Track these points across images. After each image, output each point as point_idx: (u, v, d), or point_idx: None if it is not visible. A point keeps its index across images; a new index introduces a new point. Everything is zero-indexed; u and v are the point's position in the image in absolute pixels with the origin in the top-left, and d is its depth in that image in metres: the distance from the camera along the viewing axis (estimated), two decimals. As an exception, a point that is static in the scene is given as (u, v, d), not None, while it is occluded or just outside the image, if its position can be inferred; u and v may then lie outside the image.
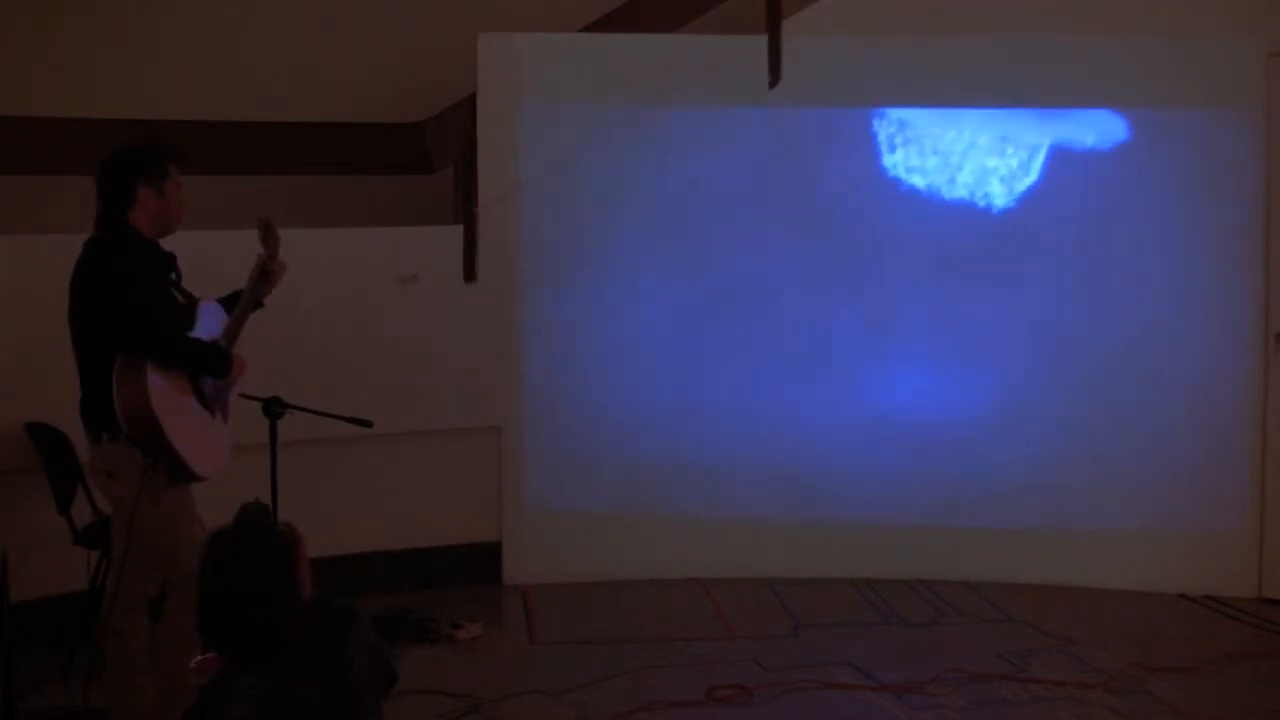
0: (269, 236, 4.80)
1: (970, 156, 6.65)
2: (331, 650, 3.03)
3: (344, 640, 3.06)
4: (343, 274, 6.42)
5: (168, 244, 4.71)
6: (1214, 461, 6.49)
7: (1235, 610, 6.33)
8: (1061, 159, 6.60)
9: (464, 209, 6.68)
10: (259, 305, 4.86)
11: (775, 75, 5.58)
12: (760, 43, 5.71)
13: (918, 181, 6.68)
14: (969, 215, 6.66)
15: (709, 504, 6.76)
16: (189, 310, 4.67)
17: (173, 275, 4.69)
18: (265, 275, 4.76)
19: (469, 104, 6.71)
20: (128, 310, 4.43)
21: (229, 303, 4.79)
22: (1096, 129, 6.56)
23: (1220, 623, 6.22)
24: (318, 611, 3.08)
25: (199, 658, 3.05)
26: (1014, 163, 6.63)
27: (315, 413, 5.40)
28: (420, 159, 7.10)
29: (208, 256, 5.10)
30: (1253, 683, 5.54)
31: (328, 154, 6.92)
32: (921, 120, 6.67)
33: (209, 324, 4.69)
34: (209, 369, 4.62)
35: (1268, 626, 6.14)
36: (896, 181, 6.68)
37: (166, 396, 4.44)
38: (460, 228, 6.60)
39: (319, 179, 6.92)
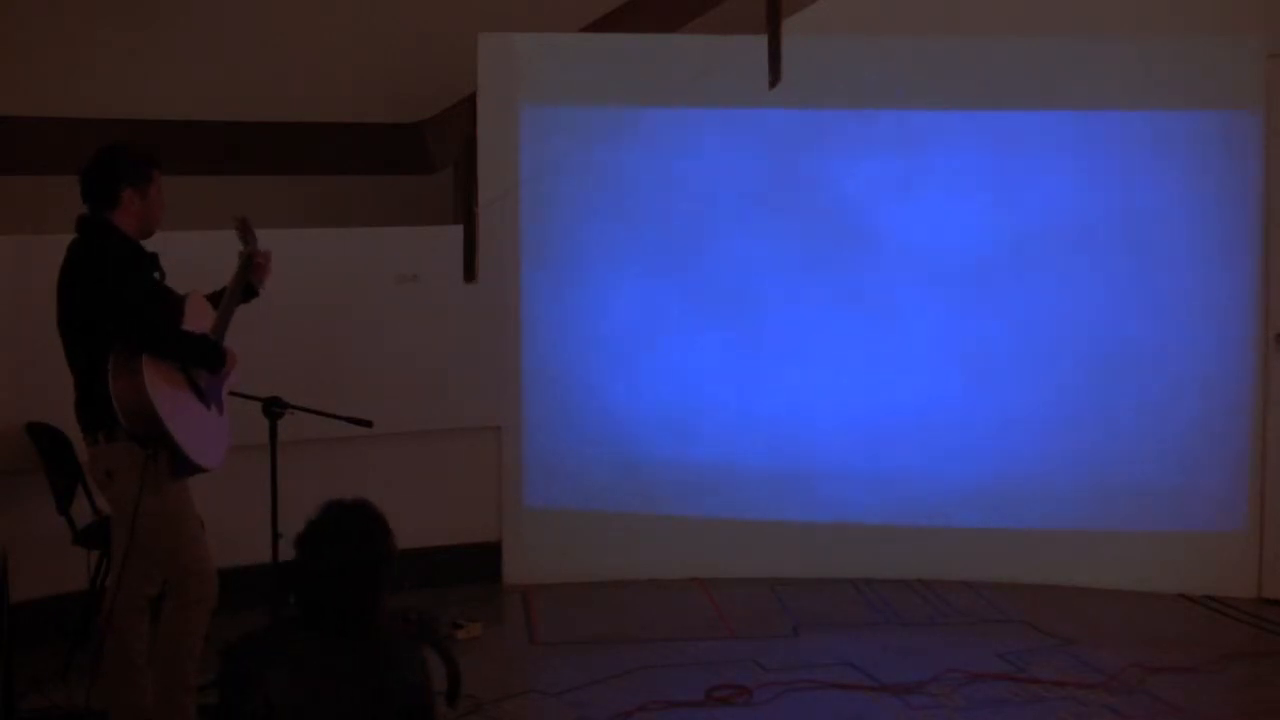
0: (247, 233, 4.83)
1: (970, 157, 6.64)
2: (380, 658, 3.11)
3: (396, 656, 3.14)
4: (343, 274, 6.42)
5: (158, 245, 4.72)
6: (1214, 462, 6.49)
7: (1235, 610, 6.33)
8: (1061, 160, 6.59)
9: (464, 209, 6.69)
10: (254, 294, 4.89)
11: (775, 75, 5.59)
12: (760, 43, 5.72)
13: (917, 182, 6.67)
14: (968, 216, 6.65)
15: (709, 504, 6.76)
16: (177, 305, 4.69)
17: (157, 274, 4.70)
18: (251, 267, 4.80)
19: (469, 104, 6.71)
20: (119, 303, 4.45)
21: (215, 299, 4.81)
22: (1096, 129, 6.55)
23: (1220, 623, 6.22)
24: (389, 622, 3.19)
25: None
26: (1012, 164, 6.63)
27: (315, 412, 5.41)
28: (420, 159, 7.10)
29: (203, 257, 5.11)
30: (1253, 683, 5.54)
31: (328, 154, 6.92)
32: (922, 121, 6.66)
33: (196, 319, 4.70)
34: (201, 361, 4.63)
35: (1268, 626, 6.15)
36: (896, 182, 6.68)
37: (162, 389, 4.46)
38: (460, 228, 6.62)
39: (319, 179, 6.92)
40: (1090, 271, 6.60)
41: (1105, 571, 6.58)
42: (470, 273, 6.60)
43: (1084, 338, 6.61)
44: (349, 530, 3.16)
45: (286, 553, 5.28)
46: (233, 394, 4.92)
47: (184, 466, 4.53)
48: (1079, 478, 6.62)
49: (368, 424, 5.53)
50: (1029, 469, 6.65)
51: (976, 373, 6.69)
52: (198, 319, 4.72)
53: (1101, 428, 6.60)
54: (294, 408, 5.36)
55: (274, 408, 5.34)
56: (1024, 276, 6.65)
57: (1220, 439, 6.48)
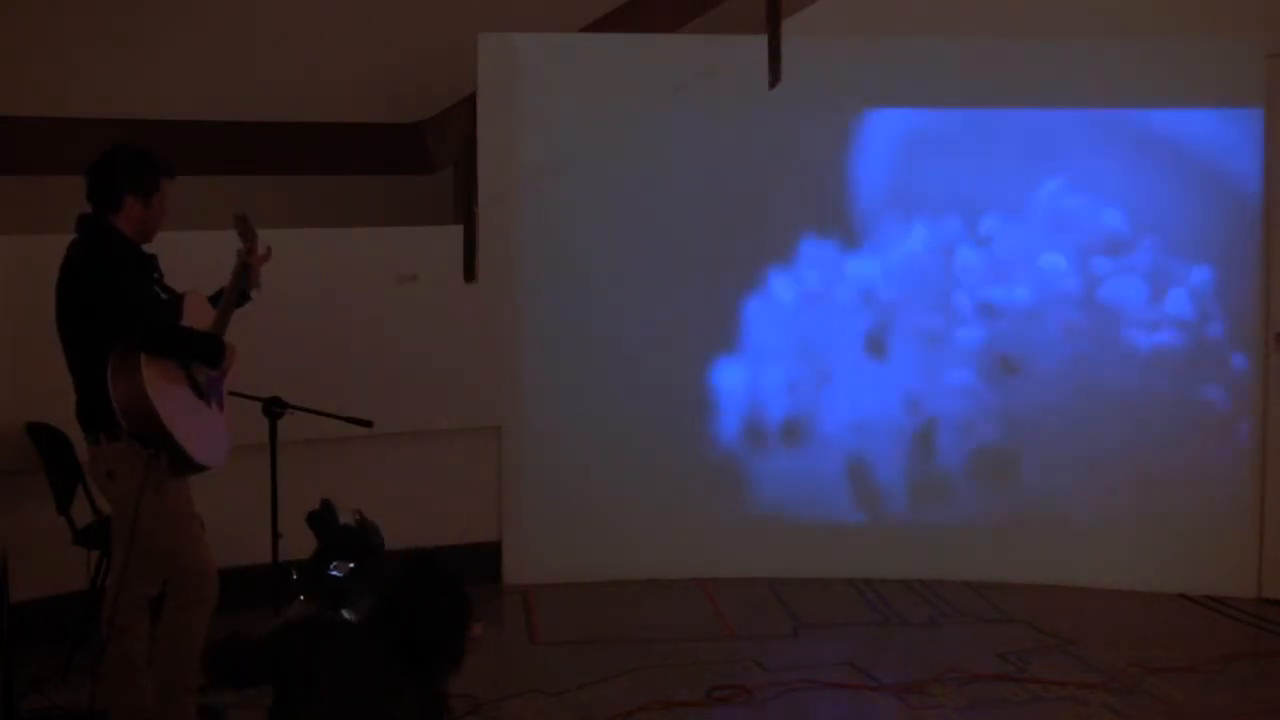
0: (246, 231, 4.81)
1: (970, 157, 6.64)
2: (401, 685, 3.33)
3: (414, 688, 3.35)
4: (343, 274, 6.42)
5: (158, 245, 4.72)
6: (1214, 462, 6.50)
7: (1235, 610, 6.33)
8: (1061, 159, 6.60)
9: (464, 209, 6.69)
10: (247, 299, 4.87)
11: (775, 75, 5.59)
12: (760, 43, 5.72)
13: (918, 181, 6.67)
14: (968, 215, 6.66)
15: (709, 504, 6.76)
16: (175, 303, 4.68)
17: (155, 275, 4.69)
18: (246, 269, 4.78)
19: (469, 104, 6.71)
20: (117, 303, 4.44)
21: (215, 300, 4.80)
22: (1097, 129, 6.56)
23: (1220, 623, 6.23)
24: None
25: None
26: (1013, 163, 6.63)
27: (315, 413, 5.41)
28: (420, 159, 7.10)
29: (204, 257, 5.11)
30: (1253, 683, 5.54)
31: (328, 154, 6.92)
32: (921, 121, 6.66)
33: (195, 318, 4.69)
34: (201, 356, 4.62)
35: (1268, 626, 6.15)
36: (896, 182, 6.68)
37: (162, 388, 4.45)
38: (460, 228, 6.62)
39: (319, 179, 6.91)
40: (1088, 270, 6.60)
41: (1105, 571, 6.58)
42: (470, 273, 6.60)
43: (1083, 338, 6.61)
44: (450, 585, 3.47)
45: (286, 553, 5.33)
46: (233, 394, 4.92)
47: (185, 465, 4.53)
48: (1079, 478, 6.62)
49: (368, 424, 5.53)
50: (1029, 469, 6.66)
51: (976, 372, 6.70)
52: (196, 318, 4.70)
53: (1101, 427, 6.60)
54: (294, 408, 5.36)
55: (274, 408, 5.34)
56: (1023, 275, 6.65)
57: (1220, 439, 6.49)
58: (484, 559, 6.74)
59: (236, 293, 4.80)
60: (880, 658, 5.74)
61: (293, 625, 3.69)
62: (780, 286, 6.77)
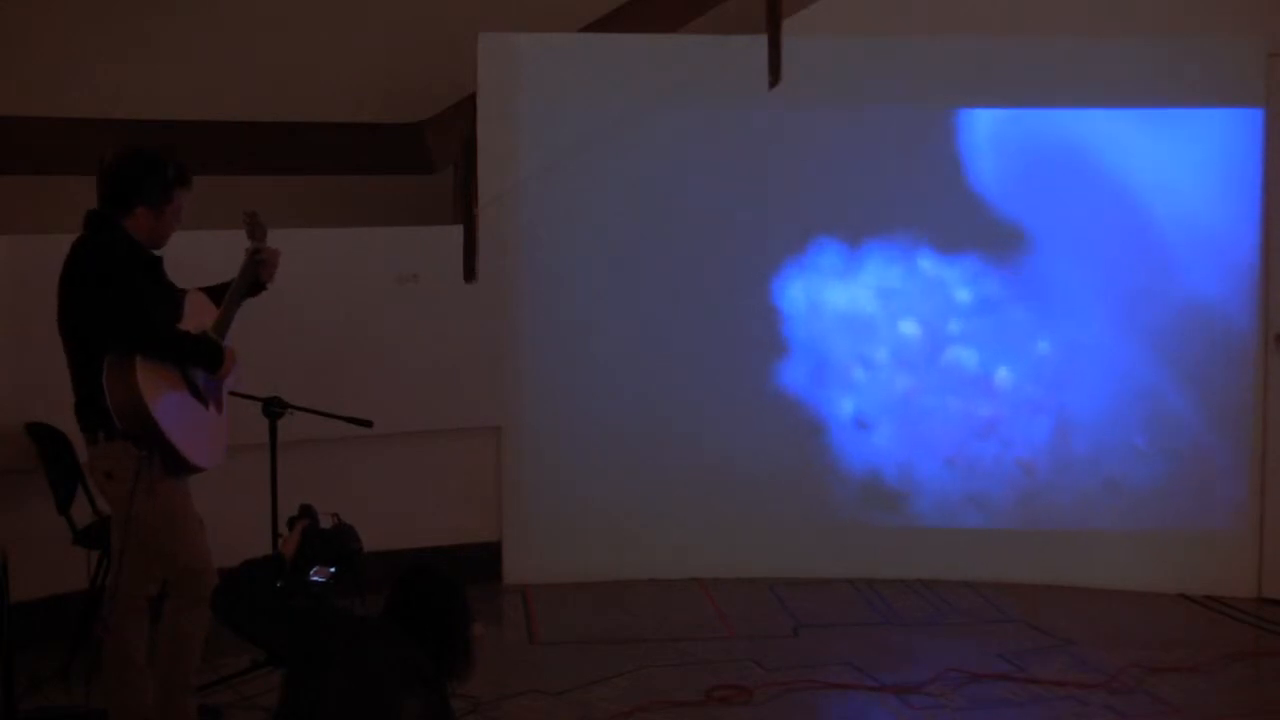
0: (255, 228, 4.80)
1: (970, 157, 6.64)
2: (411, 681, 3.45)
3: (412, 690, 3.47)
4: (343, 274, 6.42)
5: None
6: (1214, 461, 6.50)
7: (1235, 610, 6.33)
8: (1061, 159, 6.60)
9: (464, 209, 6.69)
10: (262, 288, 4.86)
11: (775, 75, 5.58)
12: (760, 43, 5.72)
13: (918, 182, 6.67)
14: (969, 215, 6.66)
15: (709, 504, 6.77)
16: (176, 303, 4.67)
17: (159, 276, 4.68)
18: (258, 264, 4.77)
19: (469, 104, 6.71)
20: (113, 303, 4.43)
21: (217, 293, 4.79)
22: (1096, 129, 6.56)
23: (1220, 623, 6.23)
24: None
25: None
26: (1014, 162, 6.63)
27: (315, 413, 5.41)
28: (420, 159, 7.10)
29: (204, 257, 5.10)
30: (1253, 683, 5.55)
31: (328, 154, 6.92)
32: (921, 121, 6.66)
33: (196, 316, 4.69)
34: (198, 361, 4.60)
35: (1268, 626, 6.15)
36: (896, 182, 6.68)
37: (157, 389, 4.44)
38: (460, 228, 6.61)
39: (319, 179, 6.92)
40: (1088, 270, 6.61)
41: (1105, 571, 6.58)
42: (470, 273, 6.59)
43: (1082, 336, 6.61)
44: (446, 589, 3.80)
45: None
46: (233, 394, 4.91)
47: (179, 466, 4.52)
48: (1079, 477, 6.63)
49: (368, 424, 5.53)
50: (1029, 469, 6.66)
51: (975, 372, 6.70)
52: (198, 316, 4.69)
53: (1101, 427, 6.60)
54: (294, 408, 5.36)
55: (274, 408, 5.34)
56: (1022, 275, 6.65)
57: (1220, 439, 6.49)
58: (484, 559, 6.74)
59: (243, 288, 4.78)
60: (880, 658, 5.74)
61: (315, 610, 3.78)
62: (780, 288, 6.77)
